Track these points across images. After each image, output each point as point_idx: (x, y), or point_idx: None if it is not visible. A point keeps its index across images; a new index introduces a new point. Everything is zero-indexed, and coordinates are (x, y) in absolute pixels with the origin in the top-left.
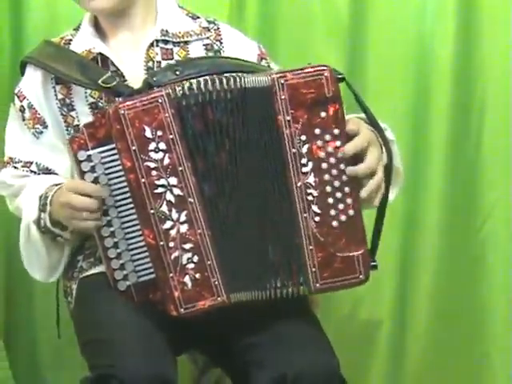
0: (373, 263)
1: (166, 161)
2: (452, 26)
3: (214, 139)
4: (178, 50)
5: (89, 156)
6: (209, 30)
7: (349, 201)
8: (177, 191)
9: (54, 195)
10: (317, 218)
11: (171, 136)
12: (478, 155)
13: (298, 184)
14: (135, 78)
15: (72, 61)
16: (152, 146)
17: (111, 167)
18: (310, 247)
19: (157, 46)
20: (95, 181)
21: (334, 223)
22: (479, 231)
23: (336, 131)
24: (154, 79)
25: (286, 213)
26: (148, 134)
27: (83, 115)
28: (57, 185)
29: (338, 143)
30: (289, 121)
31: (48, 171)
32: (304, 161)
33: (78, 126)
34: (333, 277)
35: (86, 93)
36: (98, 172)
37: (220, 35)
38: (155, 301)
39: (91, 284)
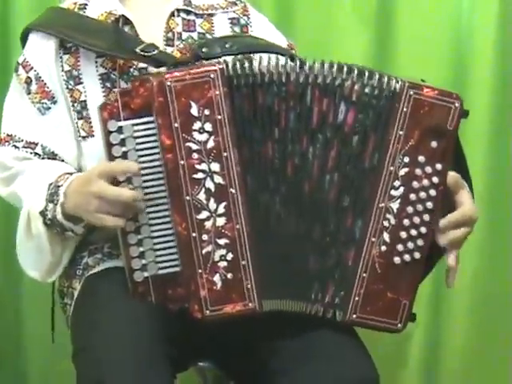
0: (413, 315)
1: (211, 144)
2: (494, 5)
3: (263, 126)
4: (202, 21)
5: (120, 127)
6: (235, 5)
7: (420, 243)
8: (218, 179)
9: (72, 185)
10: (383, 247)
11: (219, 117)
12: None
13: (381, 205)
14: None
15: (96, 29)
16: (197, 125)
17: (143, 143)
18: (364, 274)
19: (178, 16)
20: (123, 156)
21: (396, 260)
22: None
23: (439, 167)
24: (203, 50)
25: (355, 229)
26: (194, 111)
27: (92, 88)
28: (70, 174)
29: (435, 179)
30: (400, 136)
31: (54, 156)
32: (397, 183)
33: (85, 101)
34: (373, 314)
35: (96, 62)
36: (129, 146)
37: (247, 11)
38: (174, 298)
39: (98, 282)
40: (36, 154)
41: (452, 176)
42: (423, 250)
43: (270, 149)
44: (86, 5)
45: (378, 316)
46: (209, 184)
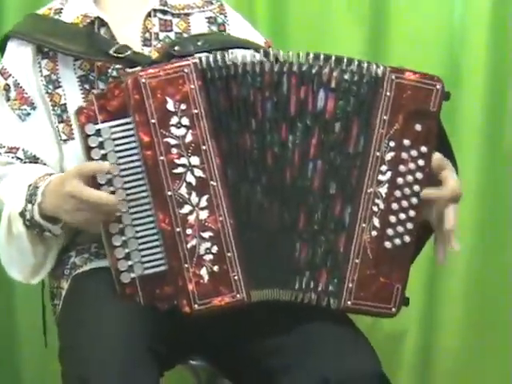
0: (406, 298)
1: (189, 138)
2: (486, 7)
3: (240, 117)
4: (178, 21)
5: (98, 130)
6: (211, 4)
7: (409, 226)
8: (198, 172)
9: (50, 184)
10: (373, 233)
11: (196, 111)
12: None
13: (369, 190)
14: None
15: (71, 33)
16: (174, 120)
17: (122, 144)
18: (356, 260)
19: (154, 16)
20: (103, 158)
21: (387, 244)
22: None
23: (424, 149)
24: (175, 49)
25: (344, 216)
26: (170, 106)
27: (71, 91)
28: (50, 174)
29: (421, 162)
30: (384, 121)
31: (35, 160)
32: (383, 168)
33: (64, 104)
34: (367, 299)
35: (74, 65)
36: (107, 149)
37: (224, 10)
38: (162, 297)
39: (86, 281)
40: (18, 158)
41: (436, 159)
42: (413, 234)
43: (248, 140)
44: (62, 9)
45: (371, 301)
46: (189, 178)
